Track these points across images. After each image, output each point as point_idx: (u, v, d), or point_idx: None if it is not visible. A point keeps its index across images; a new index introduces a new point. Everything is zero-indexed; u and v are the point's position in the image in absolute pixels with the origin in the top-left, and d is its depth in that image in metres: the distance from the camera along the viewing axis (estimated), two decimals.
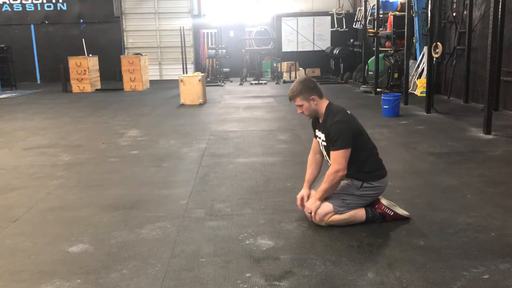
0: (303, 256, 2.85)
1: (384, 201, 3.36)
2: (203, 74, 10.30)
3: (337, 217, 3.22)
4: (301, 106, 3.33)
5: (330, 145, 3.19)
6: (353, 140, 3.17)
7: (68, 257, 2.91)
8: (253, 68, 15.47)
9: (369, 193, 3.26)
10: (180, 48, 13.83)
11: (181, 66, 13.64)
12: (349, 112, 3.30)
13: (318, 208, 3.20)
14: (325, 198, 3.24)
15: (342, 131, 3.13)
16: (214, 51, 14.77)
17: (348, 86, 12.83)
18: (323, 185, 3.19)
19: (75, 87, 12.71)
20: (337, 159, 3.12)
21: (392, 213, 3.31)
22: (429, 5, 7.78)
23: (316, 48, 16.19)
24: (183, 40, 13.62)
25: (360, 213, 3.27)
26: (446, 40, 9.81)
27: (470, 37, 8.70)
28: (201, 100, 9.80)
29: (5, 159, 5.52)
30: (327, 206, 3.21)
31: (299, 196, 3.45)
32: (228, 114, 8.41)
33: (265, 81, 14.14)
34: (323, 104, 3.30)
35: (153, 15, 15.85)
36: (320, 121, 3.34)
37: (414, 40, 10.58)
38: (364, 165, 3.25)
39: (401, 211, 3.35)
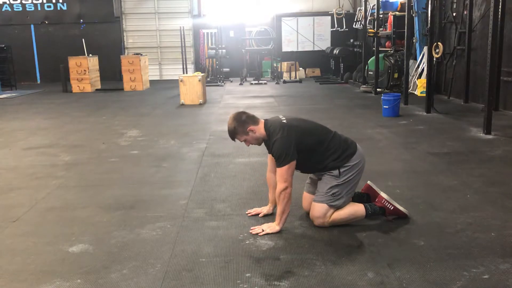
0: (303, 256, 2.85)
1: (384, 195, 3.37)
2: (203, 74, 10.30)
3: (337, 216, 3.22)
4: (245, 141, 3.31)
5: (276, 163, 3.16)
6: (302, 145, 3.13)
7: (68, 257, 2.91)
8: (253, 68, 15.46)
9: (351, 174, 3.22)
10: (180, 48, 13.83)
11: (181, 66, 13.63)
12: (285, 121, 3.21)
13: (271, 229, 3.18)
14: (316, 200, 3.25)
15: (282, 148, 3.09)
16: (214, 51, 14.77)
17: (348, 86, 12.83)
18: (279, 208, 3.18)
19: (75, 87, 12.71)
20: (283, 176, 3.10)
21: (392, 208, 3.32)
22: (429, 5, 7.78)
23: (316, 48, 16.19)
24: (183, 40, 13.62)
25: (360, 211, 3.28)
26: (446, 40, 9.81)
27: (470, 37, 8.70)
28: (201, 100, 9.81)
29: (5, 159, 5.52)
30: (321, 207, 3.21)
31: (256, 209, 3.52)
32: (228, 114, 8.31)
33: (265, 81, 14.14)
34: (261, 128, 3.24)
35: (153, 15, 15.85)
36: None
37: (414, 40, 10.58)
38: (330, 155, 3.21)
39: (401, 208, 3.35)
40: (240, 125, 3.23)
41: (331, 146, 3.22)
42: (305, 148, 3.17)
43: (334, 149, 3.22)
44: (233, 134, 3.29)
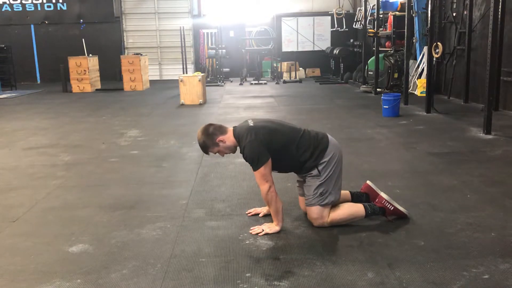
0: (303, 256, 2.85)
1: (384, 195, 3.37)
2: (203, 74, 10.30)
3: (336, 216, 3.22)
4: (218, 152, 3.31)
5: (252, 168, 3.16)
6: (272, 145, 3.13)
7: (68, 257, 2.91)
8: (253, 68, 15.46)
9: (330, 169, 3.20)
10: (180, 48, 13.83)
11: (181, 66, 13.63)
12: (252, 124, 3.20)
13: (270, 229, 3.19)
14: (308, 204, 3.25)
15: (253, 152, 3.09)
16: (214, 51, 14.77)
17: (348, 86, 12.83)
18: (271, 209, 3.18)
19: (75, 87, 12.71)
20: (262, 178, 3.10)
21: (392, 208, 3.32)
22: (429, 5, 7.78)
23: (316, 48, 16.18)
24: (183, 40, 13.62)
25: (359, 211, 3.28)
26: (446, 40, 9.81)
27: (470, 37, 8.70)
28: (201, 100, 9.81)
29: (5, 159, 5.52)
30: (315, 209, 3.21)
31: (256, 209, 3.53)
32: (228, 114, 8.41)
33: (265, 81, 14.14)
34: (230, 137, 3.24)
35: (153, 15, 15.85)
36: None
37: (414, 40, 10.58)
38: (302, 152, 3.20)
39: (401, 208, 3.35)
40: (209, 138, 3.23)
41: (302, 143, 3.21)
42: (275, 149, 3.15)
43: (306, 146, 3.21)
44: (205, 148, 3.29)
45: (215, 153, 3.34)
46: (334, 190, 3.23)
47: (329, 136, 3.33)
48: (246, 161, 3.19)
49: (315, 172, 3.21)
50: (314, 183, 3.22)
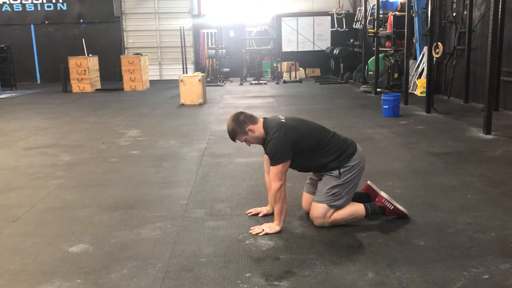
0: (303, 256, 2.85)
1: (384, 194, 3.37)
2: (203, 74, 10.30)
3: (337, 216, 3.22)
4: (245, 141, 3.31)
5: (270, 162, 3.16)
6: (299, 146, 3.14)
7: (68, 257, 2.91)
8: (253, 68, 15.46)
9: (351, 174, 3.22)
10: (180, 48, 13.83)
11: (181, 66, 13.63)
12: (283, 120, 3.22)
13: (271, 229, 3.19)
14: (316, 200, 3.25)
15: (276, 147, 3.09)
16: (214, 51, 14.77)
17: (348, 86, 12.83)
18: (276, 207, 3.18)
19: (75, 87, 12.70)
20: (277, 175, 3.10)
21: (392, 207, 3.32)
22: (429, 5, 7.78)
23: (316, 48, 16.18)
24: (183, 40, 13.62)
25: (360, 210, 3.28)
26: (446, 40, 9.81)
27: (470, 37, 8.70)
28: (201, 100, 9.81)
29: (5, 159, 5.52)
30: (321, 207, 3.21)
31: (256, 209, 3.53)
32: (228, 114, 8.30)
33: (265, 81, 14.14)
34: (260, 127, 3.24)
35: (153, 15, 15.85)
36: None
37: (414, 40, 10.57)
38: (328, 155, 3.21)
39: (401, 208, 3.36)
40: (239, 125, 3.23)
41: (330, 146, 3.22)
42: (302, 149, 3.17)
43: (333, 150, 3.22)
44: (233, 135, 3.29)
45: (242, 142, 3.34)
46: (346, 195, 3.23)
47: (357, 145, 3.35)
48: (267, 153, 3.20)
49: (336, 173, 3.21)
50: (331, 182, 3.22)
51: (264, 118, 3.31)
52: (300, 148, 3.16)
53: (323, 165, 3.23)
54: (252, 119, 3.26)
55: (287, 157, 3.11)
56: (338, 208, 3.22)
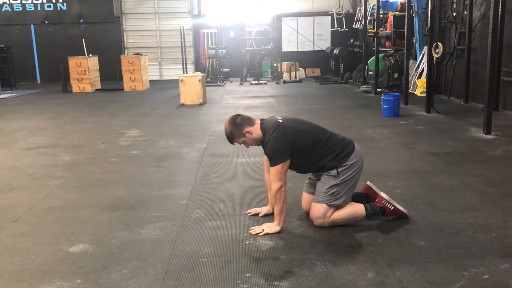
0: (303, 256, 2.85)
1: (384, 195, 3.37)
2: (203, 74, 10.30)
3: (337, 216, 3.22)
4: (244, 143, 3.31)
5: (270, 162, 3.17)
6: (297, 146, 3.14)
7: (68, 257, 2.91)
8: (253, 68, 15.46)
9: (349, 173, 3.21)
10: (180, 48, 13.83)
11: (181, 66, 13.64)
12: (280, 121, 3.22)
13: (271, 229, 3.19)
14: (315, 200, 3.25)
15: (275, 147, 3.10)
16: (214, 51, 14.77)
17: (348, 86, 12.83)
18: (276, 207, 3.18)
19: (75, 87, 12.70)
20: (277, 175, 3.10)
21: (392, 208, 3.32)
22: (429, 5, 7.78)
23: (316, 48, 16.19)
24: (183, 40, 13.62)
25: (360, 210, 3.28)
26: (446, 40, 9.81)
27: (470, 37, 8.70)
28: (201, 100, 9.81)
29: (5, 159, 5.52)
30: (320, 207, 3.21)
31: (256, 209, 3.53)
32: (228, 114, 8.29)
33: (265, 81, 14.14)
34: (257, 129, 3.24)
35: (153, 15, 15.85)
36: None
37: (414, 40, 10.58)
38: (326, 155, 3.21)
39: (401, 208, 3.36)
40: (236, 128, 3.23)
41: (328, 146, 3.22)
42: (300, 149, 3.17)
43: (331, 150, 3.22)
44: (231, 137, 3.30)
45: (240, 144, 3.34)
46: (345, 195, 3.23)
47: (355, 144, 3.35)
48: (266, 154, 3.20)
49: (334, 172, 3.21)
50: (330, 182, 3.22)
51: (261, 119, 3.32)
52: (298, 147, 3.16)
53: (321, 165, 3.24)
54: (249, 121, 3.27)
55: (286, 157, 3.12)
56: (337, 207, 3.22)
